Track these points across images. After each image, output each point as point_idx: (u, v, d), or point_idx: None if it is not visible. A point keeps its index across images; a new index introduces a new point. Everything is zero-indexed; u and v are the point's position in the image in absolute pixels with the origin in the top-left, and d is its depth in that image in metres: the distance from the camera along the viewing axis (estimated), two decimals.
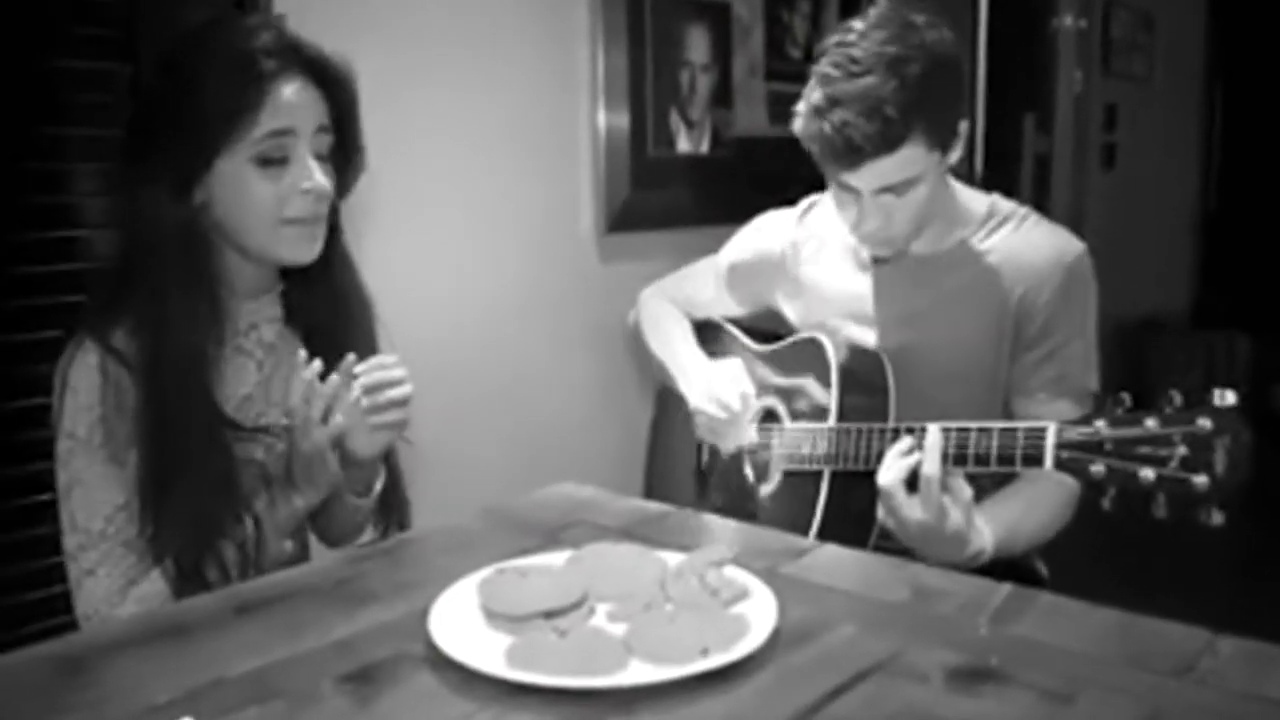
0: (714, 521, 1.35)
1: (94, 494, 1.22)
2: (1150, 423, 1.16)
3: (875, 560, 1.24)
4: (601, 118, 2.32)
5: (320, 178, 1.26)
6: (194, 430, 1.23)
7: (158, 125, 1.24)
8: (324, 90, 1.28)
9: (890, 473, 1.33)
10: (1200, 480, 1.12)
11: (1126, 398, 1.19)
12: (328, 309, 1.37)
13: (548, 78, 2.23)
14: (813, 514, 1.50)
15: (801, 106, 1.47)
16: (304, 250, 1.29)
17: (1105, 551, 2.79)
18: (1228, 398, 1.13)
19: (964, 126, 1.49)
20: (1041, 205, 3.77)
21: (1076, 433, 1.21)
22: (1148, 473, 1.15)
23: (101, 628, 1.17)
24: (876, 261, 1.63)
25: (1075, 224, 1.50)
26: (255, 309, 1.34)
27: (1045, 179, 4.17)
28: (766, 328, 1.81)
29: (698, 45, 2.51)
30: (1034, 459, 1.25)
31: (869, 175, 1.43)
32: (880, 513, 1.37)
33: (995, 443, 1.29)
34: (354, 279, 1.41)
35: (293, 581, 1.17)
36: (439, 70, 2.01)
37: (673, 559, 1.07)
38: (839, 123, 1.39)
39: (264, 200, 1.24)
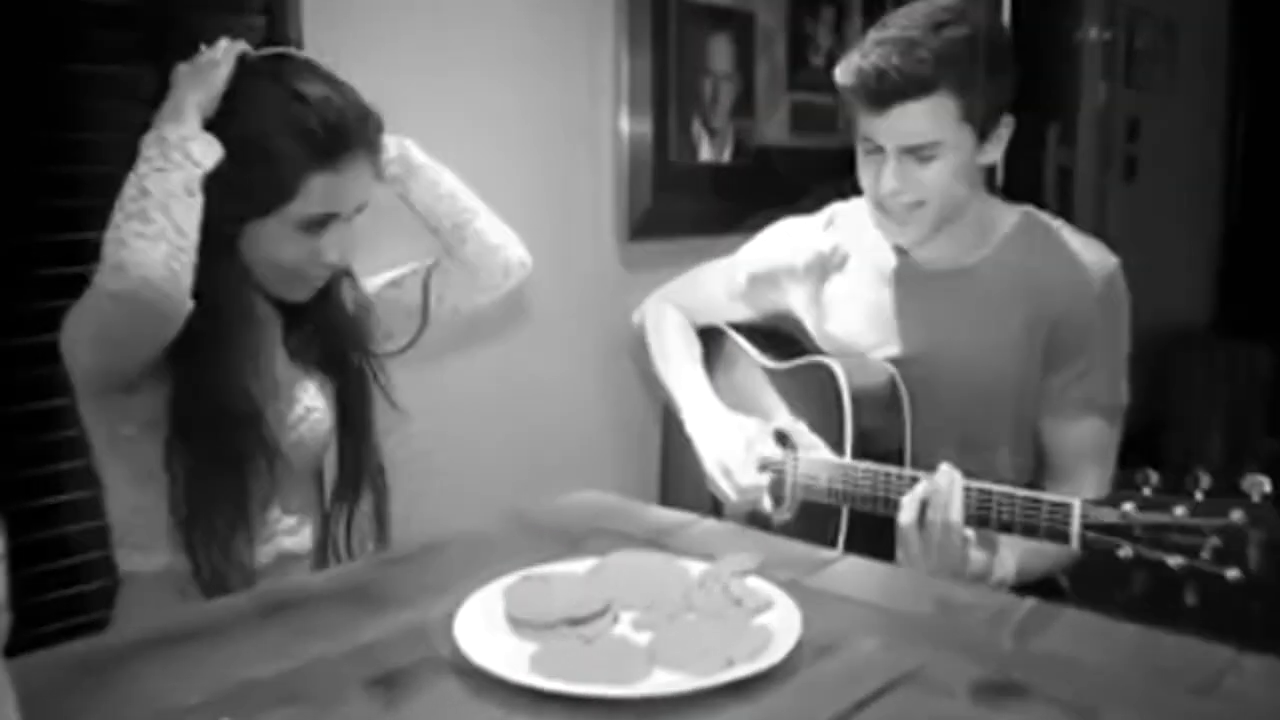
0: (738, 532, 1.35)
1: None
2: (1179, 511, 1.14)
3: (899, 573, 1.24)
4: (624, 125, 2.33)
5: (338, 256, 1.32)
6: (236, 432, 1.29)
7: (216, 178, 1.21)
8: (372, 160, 1.32)
9: (910, 514, 1.35)
10: (1233, 574, 1.11)
11: (1153, 475, 1.17)
12: (327, 318, 1.42)
13: (571, 84, 2.24)
14: (835, 543, 1.50)
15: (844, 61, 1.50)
16: (298, 294, 1.36)
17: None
18: (1263, 486, 1.10)
19: (1007, 122, 1.51)
20: (1064, 217, 3.74)
21: (1104, 514, 1.20)
22: (1178, 560, 1.14)
23: (122, 632, 1.18)
24: (902, 273, 1.61)
25: (1098, 236, 1.49)
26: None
27: (1068, 191, 4.15)
28: (778, 329, 1.80)
29: (721, 54, 2.52)
30: (1059, 535, 1.25)
31: (895, 122, 1.44)
32: (899, 554, 1.37)
33: (1019, 511, 1.29)
34: (351, 287, 1.46)
35: (317, 585, 1.18)
36: (462, 77, 2.01)
37: (696, 568, 1.07)
38: (875, 59, 1.43)
39: (288, 257, 1.30)
